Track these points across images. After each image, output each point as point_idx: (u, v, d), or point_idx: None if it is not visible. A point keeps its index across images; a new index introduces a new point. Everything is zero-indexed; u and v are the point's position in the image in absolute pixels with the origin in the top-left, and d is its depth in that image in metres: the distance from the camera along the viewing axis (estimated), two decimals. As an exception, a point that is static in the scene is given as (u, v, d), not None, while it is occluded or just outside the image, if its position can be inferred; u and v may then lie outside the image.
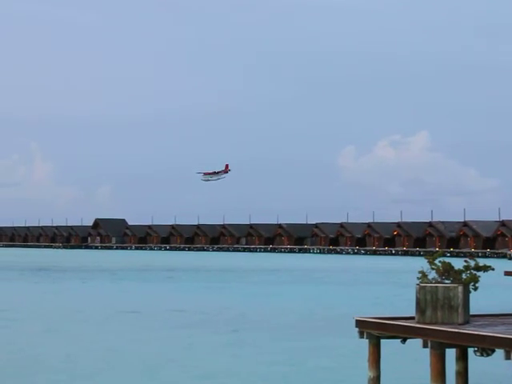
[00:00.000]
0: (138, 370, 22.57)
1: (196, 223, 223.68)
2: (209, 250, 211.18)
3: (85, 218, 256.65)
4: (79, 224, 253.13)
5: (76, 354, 25.16)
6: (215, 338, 29.94)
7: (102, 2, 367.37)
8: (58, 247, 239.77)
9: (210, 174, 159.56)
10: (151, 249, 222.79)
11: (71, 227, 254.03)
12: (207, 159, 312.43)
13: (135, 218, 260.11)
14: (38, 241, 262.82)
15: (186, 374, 22.17)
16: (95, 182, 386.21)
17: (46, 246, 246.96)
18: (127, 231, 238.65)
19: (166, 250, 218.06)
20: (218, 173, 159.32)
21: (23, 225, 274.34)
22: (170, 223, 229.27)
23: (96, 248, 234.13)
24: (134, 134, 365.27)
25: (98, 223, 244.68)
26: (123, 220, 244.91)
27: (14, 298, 48.61)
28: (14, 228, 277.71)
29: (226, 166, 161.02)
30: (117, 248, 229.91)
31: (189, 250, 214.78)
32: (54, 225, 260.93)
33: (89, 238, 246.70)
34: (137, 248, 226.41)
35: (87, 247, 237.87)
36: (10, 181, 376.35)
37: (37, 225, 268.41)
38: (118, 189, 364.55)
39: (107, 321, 35.05)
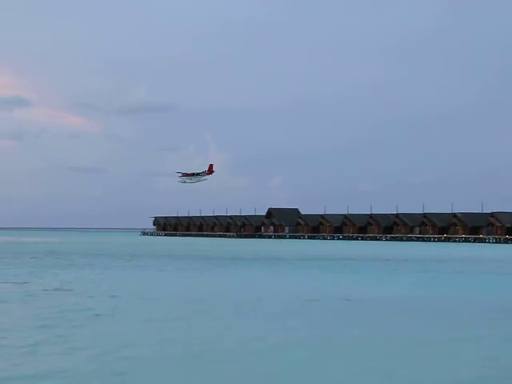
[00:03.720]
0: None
1: (369, 212, 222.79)
2: (382, 240, 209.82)
3: (258, 207, 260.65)
4: (253, 213, 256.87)
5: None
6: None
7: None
8: (232, 236, 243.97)
9: (188, 175, 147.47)
10: (324, 238, 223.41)
11: (245, 217, 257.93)
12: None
13: (308, 207, 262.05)
14: (212, 230, 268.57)
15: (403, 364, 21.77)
16: (269, 171, 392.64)
17: (220, 236, 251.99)
18: (300, 220, 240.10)
19: (338, 239, 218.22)
20: (198, 174, 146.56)
21: (198, 214, 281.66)
22: (343, 212, 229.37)
23: (269, 237, 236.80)
24: (303, 122, 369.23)
25: (271, 212, 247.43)
26: (296, 209, 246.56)
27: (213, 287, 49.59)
28: (189, 217, 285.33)
29: (210, 166, 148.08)
30: (289, 237, 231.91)
31: (361, 239, 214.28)
32: (229, 214, 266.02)
33: (262, 228, 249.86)
34: (309, 237, 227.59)
35: (260, 236, 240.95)
36: (190, 171, 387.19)
37: (211, 214, 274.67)
38: (291, 178, 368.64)
39: (293, 309, 35.38)
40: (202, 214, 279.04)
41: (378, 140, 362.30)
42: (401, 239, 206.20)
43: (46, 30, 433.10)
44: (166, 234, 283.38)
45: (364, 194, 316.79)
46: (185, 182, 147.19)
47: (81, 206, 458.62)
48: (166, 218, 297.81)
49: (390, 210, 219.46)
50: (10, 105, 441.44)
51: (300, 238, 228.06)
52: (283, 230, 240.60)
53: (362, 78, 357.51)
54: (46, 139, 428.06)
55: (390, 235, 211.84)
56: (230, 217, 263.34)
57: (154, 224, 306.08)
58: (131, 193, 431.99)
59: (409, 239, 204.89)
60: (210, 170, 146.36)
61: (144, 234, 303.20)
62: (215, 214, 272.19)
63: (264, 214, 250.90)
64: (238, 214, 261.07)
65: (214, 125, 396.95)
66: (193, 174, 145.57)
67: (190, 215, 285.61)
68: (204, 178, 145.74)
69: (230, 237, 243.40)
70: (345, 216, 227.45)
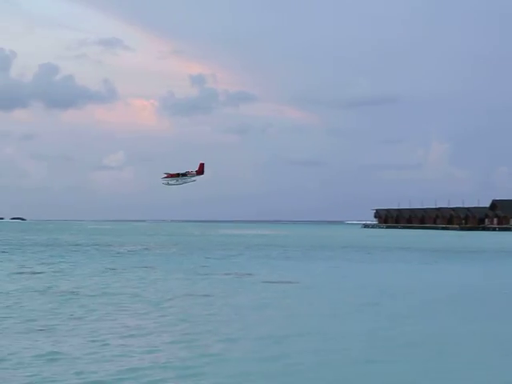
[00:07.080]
0: None
1: None
2: None
3: (482, 199, 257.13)
4: (476, 205, 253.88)
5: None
6: None
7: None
8: (455, 229, 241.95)
9: (172, 176, 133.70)
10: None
11: (468, 208, 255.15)
12: None
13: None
14: (434, 222, 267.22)
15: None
16: (493, 162, 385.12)
17: (442, 228, 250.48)
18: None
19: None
20: (184, 175, 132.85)
21: (420, 206, 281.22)
22: None
23: (493, 230, 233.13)
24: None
25: (495, 204, 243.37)
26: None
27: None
28: (411, 210, 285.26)
29: (201, 165, 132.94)
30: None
31: None
32: (451, 206, 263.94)
33: (486, 220, 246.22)
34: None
35: (484, 229, 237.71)
36: (410, 163, 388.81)
37: (433, 206, 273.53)
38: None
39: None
40: (424, 206, 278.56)
41: None
42: None
43: (273, 29, 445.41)
44: (387, 227, 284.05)
45: None
46: (168, 183, 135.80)
47: (301, 199, 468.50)
48: (387, 210, 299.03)
49: None
50: (236, 100, 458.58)
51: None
52: (508, 223, 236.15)
53: None
54: (269, 134, 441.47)
55: None
56: (453, 209, 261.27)
57: (375, 216, 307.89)
58: (352, 185, 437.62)
59: None
60: (201, 170, 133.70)
61: (365, 226, 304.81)
62: (437, 206, 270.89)
63: (488, 205, 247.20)
64: (461, 206, 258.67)
65: (436, 115, 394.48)
66: (178, 175, 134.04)
67: (411, 207, 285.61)
68: (192, 178, 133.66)
69: (452, 229, 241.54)
70: None
